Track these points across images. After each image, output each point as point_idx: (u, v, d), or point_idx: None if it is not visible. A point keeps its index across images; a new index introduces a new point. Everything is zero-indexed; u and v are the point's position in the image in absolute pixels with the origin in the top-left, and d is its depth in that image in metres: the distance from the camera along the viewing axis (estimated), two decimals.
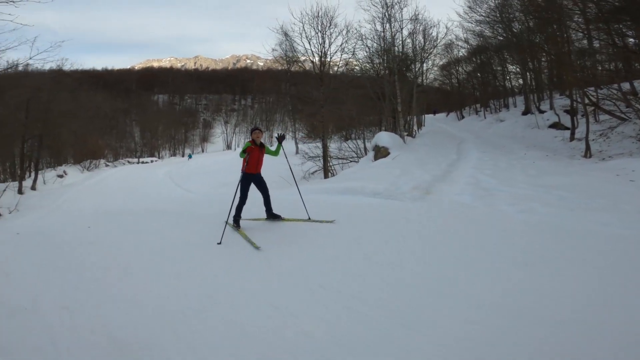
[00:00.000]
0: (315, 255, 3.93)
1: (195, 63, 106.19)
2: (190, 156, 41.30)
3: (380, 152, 10.37)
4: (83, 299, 3.14)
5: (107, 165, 32.29)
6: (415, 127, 19.05)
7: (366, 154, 13.90)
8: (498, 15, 16.59)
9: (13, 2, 3.93)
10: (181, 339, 2.48)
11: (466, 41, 22.40)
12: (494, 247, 3.70)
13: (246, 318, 2.70)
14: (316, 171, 15.63)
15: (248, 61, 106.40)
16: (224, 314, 2.79)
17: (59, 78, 23.45)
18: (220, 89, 78.31)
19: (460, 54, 25.38)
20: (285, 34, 16.47)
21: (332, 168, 15.19)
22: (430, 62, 16.61)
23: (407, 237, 4.24)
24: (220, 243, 4.52)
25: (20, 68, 18.74)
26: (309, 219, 5.23)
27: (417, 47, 14.79)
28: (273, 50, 19.63)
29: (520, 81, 20.62)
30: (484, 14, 17.55)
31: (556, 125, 13.77)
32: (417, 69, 15.47)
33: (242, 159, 5.15)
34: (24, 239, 5.71)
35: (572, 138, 11.56)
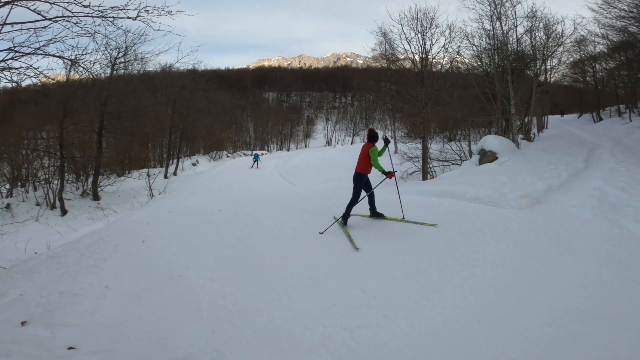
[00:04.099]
0: (405, 252, 4.22)
1: (299, 62, 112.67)
2: (256, 158, 27.14)
3: (487, 157, 9.74)
4: (218, 270, 3.96)
5: (227, 157, 37.31)
6: (534, 130, 17.00)
7: (470, 157, 13.14)
8: None
9: (171, 14, 5.01)
10: (285, 306, 3.09)
11: (604, 37, 18.75)
12: (596, 261, 3.50)
13: (337, 297, 3.20)
14: (414, 172, 15.41)
15: (348, 59, 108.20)
16: (320, 291, 3.34)
17: (196, 78, 27.53)
18: (322, 87, 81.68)
19: (598, 49, 21.32)
20: (384, 35, 16.56)
21: (432, 170, 14.78)
22: (555, 59, 14.48)
23: (501, 243, 4.20)
24: (322, 233, 5.08)
25: (168, 70, 23.19)
26: (403, 218, 5.48)
27: (538, 44, 13.17)
28: (372, 50, 19.73)
29: None
30: (626, 9, 14.44)
31: None
32: (538, 67, 13.78)
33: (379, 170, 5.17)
34: (175, 217, 6.80)
35: None
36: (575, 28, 13.70)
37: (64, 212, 13.54)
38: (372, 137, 5.42)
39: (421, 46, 14.75)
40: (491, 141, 10.16)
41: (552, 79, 16.79)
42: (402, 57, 16.57)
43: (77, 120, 15.66)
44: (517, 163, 8.83)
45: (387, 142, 5.57)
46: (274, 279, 3.67)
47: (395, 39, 16.34)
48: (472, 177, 7.87)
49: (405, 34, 15.39)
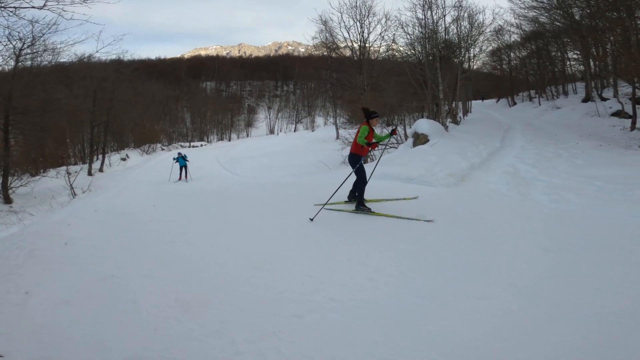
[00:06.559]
0: (347, 234, 4.32)
1: (239, 51, 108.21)
2: (181, 162, 16.71)
3: (419, 139, 10.44)
4: (156, 267, 3.71)
5: (162, 149, 34.84)
6: (460, 114, 18.56)
7: (406, 140, 13.96)
8: (555, 0, 15.44)
9: (86, 3, 4.57)
10: (233, 298, 3.01)
11: (518, 27, 21.09)
12: (517, 233, 3.89)
13: (285, 284, 3.20)
14: None
15: (289, 47, 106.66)
16: (268, 280, 3.29)
17: (121, 69, 25.30)
18: (263, 76, 79.69)
19: (512, 39, 23.93)
20: (325, 23, 16.79)
21: (372, 154, 15.42)
22: (477, 48, 15.99)
23: (434, 220, 4.52)
24: (315, 212, 4.96)
25: (86, 61, 20.89)
26: (347, 201, 5.64)
27: (463, 33, 14.40)
28: (313, 38, 19.90)
29: (582, 67, 19.11)
30: None
31: (619, 114, 12.79)
32: (462, 55, 15.07)
33: (361, 144, 5.14)
34: (102, 215, 6.22)
35: (632, 127, 10.79)
36: (494, 18, 15.29)
37: None
38: (366, 116, 5.27)
39: (359, 34, 15.23)
40: (423, 125, 10.88)
41: (474, 67, 18.48)
42: (342, 45, 16.96)
43: None
44: (445, 144, 9.60)
45: (392, 132, 5.40)
46: (218, 271, 3.56)
47: (335, 27, 16.69)
48: (407, 159, 8.39)
49: (344, 22, 15.80)
